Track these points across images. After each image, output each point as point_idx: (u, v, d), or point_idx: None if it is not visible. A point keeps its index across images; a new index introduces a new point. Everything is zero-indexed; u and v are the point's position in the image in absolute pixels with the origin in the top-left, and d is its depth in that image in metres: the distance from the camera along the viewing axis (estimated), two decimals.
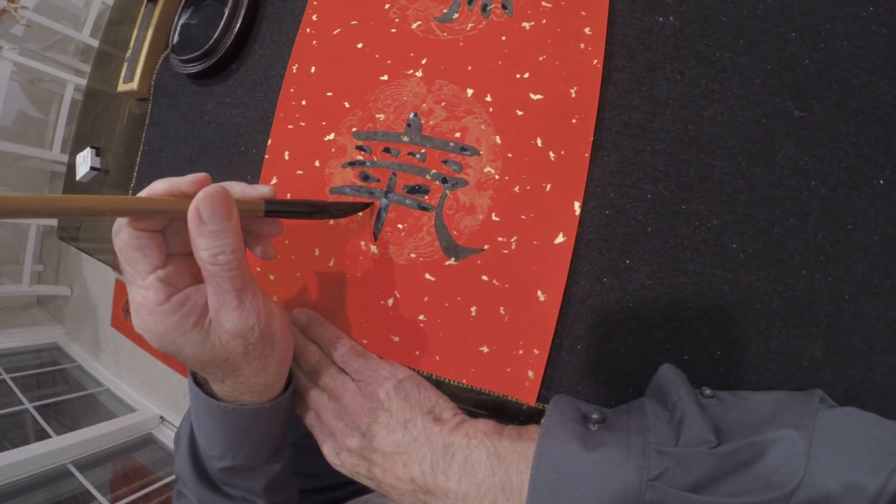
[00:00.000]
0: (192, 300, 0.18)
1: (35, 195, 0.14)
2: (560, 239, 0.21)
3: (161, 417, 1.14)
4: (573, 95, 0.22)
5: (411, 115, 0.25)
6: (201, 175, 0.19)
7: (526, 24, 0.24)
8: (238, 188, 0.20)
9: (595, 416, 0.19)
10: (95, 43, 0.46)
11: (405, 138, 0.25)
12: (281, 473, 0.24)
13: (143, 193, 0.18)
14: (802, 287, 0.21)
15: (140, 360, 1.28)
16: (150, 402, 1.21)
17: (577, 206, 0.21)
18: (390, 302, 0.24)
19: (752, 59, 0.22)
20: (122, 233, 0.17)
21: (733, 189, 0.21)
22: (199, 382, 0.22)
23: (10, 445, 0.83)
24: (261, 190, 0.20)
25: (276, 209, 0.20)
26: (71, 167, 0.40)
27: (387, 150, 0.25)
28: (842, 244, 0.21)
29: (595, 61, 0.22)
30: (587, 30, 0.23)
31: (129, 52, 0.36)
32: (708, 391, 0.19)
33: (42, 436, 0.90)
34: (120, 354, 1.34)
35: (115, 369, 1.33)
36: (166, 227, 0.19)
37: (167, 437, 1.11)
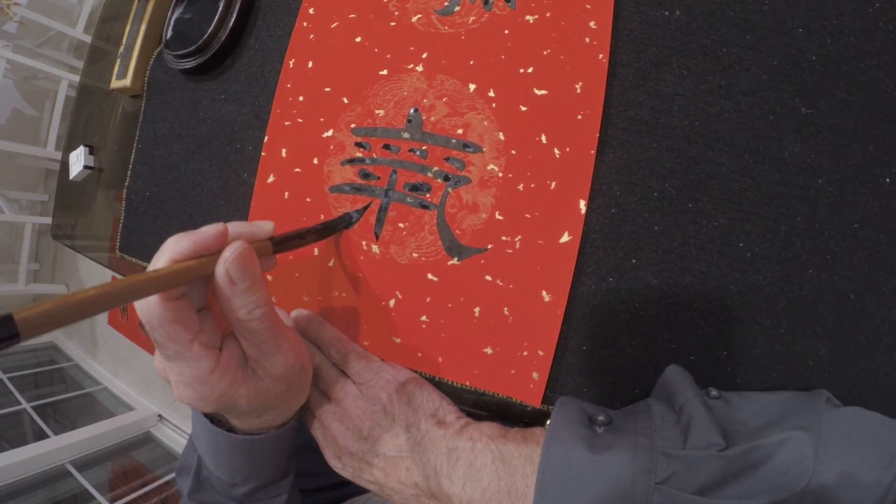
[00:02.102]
0: (235, 353, 0.18)
1: (64, 298, 0.12)
2: (565, 238, 0.21)
3: (159, 416, 1.13)
4: (578, 91, 0.22)
5: (412, 111, 0.24)
6: (220, 228, 0.17)
7: (529, 18, 0.23)
8: (246, 230, 0.19)
9: (601, 417, 0.19)
10: (89, 39, 0.45)
11: (406, 135, 0.24)
12: (292, 478, 0.24)
13: (163, 257, 0.16)
14: (808, 286, 0.20)
15: (137, 359, 1.27)
16: (148, 400, 1.20)
17: (582, 204, 0.21)
18: (392, 303, 0.24)
19: (758, 55, 0.22)
20: (155, 309, 0.16)
21: (740, 187, 0.21)
22: (214, 419, 0.21)
23: (9, 446, 0.82)
24: (264, 228, 0.19)
25: (281, 245, 0.20)
26: (65, 165, 0.39)
27: (387, 146, 0.25)
28: (848, 243, 0.21)
29: (601, 56, 0.22)
30: (592, 23, 0.22)
31: (122, 47, 0.35)
32: (714, 392, 0.19)
33: (40, 436, 0.90)
34: (117, 353, 1.33)
35: (113, 368, 1.32)
36: None
37: (165, 435, 1.10)
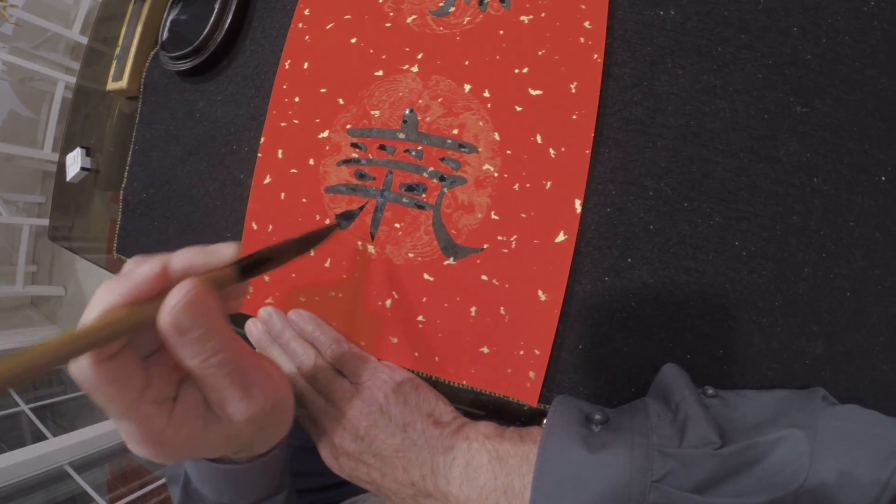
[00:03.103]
0: (192, 402, 0.16)
1: None
2: (561, 237, 0.21)
3: None
4: (573, 91, 0.22)
5: (407, 112, 0.24)
6: (156, 268, 0.14)
7: (524, 18, 0.23)
8: (199, 260, 0.15)
9: (597, 416, 0.19)
10: (86, 40, 0.44)
11: (401, 135, 0.24)
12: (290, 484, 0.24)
13: (94, 308, 0.14)
14: (804, 285, 0.20)
15: None
16: None
17: (577, 203, 0.21)
18: (388, 303, 0.24)
19: (753, 54, 0.22)
20: (87, 372, 0.13)
21: (736, 186, 0.21)
22: None
23: (7, 448, 0.82)
24: (223, 253, 0.16)
25: (249, 267, 0.16)
26: (62, 167, 0.39)
27: (382, 147, 0.25)
28: (844, 241, 0.21)
29: (595, 56, 0.22)
30: (587, 23, 0.22)
31: (119, 49, 0.35)
32: (711, 390, 0.19)
33: (39, 437, 0.89)
34: None
35: None
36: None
37: None
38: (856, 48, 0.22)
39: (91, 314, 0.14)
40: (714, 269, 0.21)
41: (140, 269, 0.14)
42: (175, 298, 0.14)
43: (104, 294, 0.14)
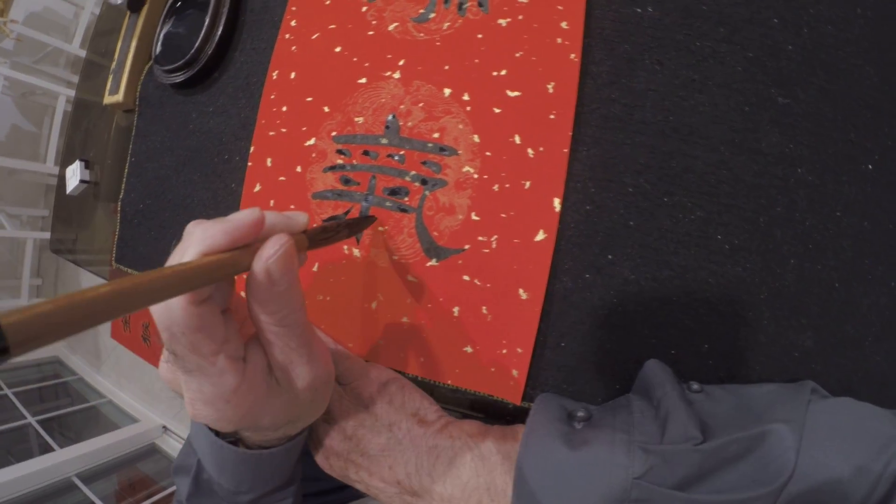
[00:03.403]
0: (260, 365, 0.16)
1: (68, 297, 0.09)
2: (540, 236, 0.21)
3: (164, 427, 1.14)
4: (551, 91, 0.22)
5: (389, 117, 0.25)
6: (256, 214, 0.14)
7: (502, 21, 0.24)
8: (280, 223, 0.16)
9: (580, 413, 0.18)
10: (85, 54, 0.46)
11: (384, 140, 0.25)
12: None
13: (191, 248, 0.13)
14: (791, 276, 0.20)
15: (141, 371, 1.29)
16: (153, 412, 1.21)
17: (556, 202, 0.21)
18: (374, 305, 0.24)
19: (733, 48, 0.22)
20: (179, 315, 0.13)
21: (717, 179, 0.21)
22: (218, 432, 0.19)
23: (15, 460, 0.83)
24: (299, 220, 0.16)
25: (314, 241, 0.17)
26: (62, 180, 0.41)
27: (366, 153, 0.25)
28: (831, 232, 0.20)
29: (572, 55, 0.22)
30: (564, 24, 0.22)
31: (114, 63, 0.36)
32: (696, 386, 0.19)
33: (46, 449, 0.90)
34: (121, 365, 1.34)
35: (117, 380, 1.33)
36: None
37: (170, 446, 1.11)
38: (839, 37, 0.22)
39: (187, 254, 0.13)
40: (697, 264, 0.20)
41: (240, 214, 0.14)
42: (272, 249, 0.13)
43: (202, 234, 0.13)
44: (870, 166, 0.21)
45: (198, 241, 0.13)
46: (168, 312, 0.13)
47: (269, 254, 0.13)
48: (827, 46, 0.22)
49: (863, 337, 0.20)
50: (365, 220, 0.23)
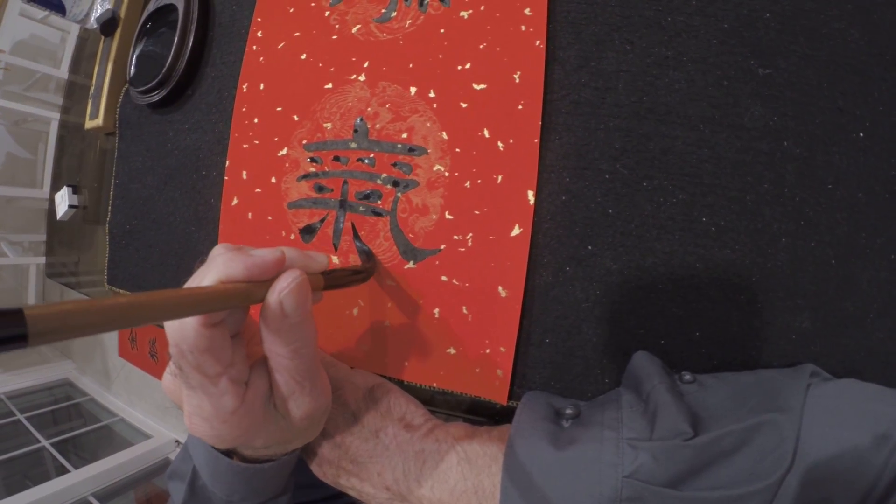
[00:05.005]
0: (261, 391, 0.16)
1: (89, 301, 0.09)
2: (516, 231, 0.20)
3: (176, 441, 1.15)
4: (517, 80, 0.21)
5: (357, 121, 0.24)
6: (278, 254, 0.15)
7: (464, 13, 0.23)
8: (299, 261, 0.16)
9: (569, 411, 0.18)
10: (67, 79, 0.47)
11: (353, 144, 0.24)
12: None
13: (210, 274, 0.14)
14: (783, 256, 0.19)
15: (151, 387, 1.30)
16: (165, 427, 1.22)
17: (530, 195, 0.20)
18: (355, 311, 0.23)
19: (706, 20, 0.21)
20: (190, 334, 0.13)
21: (698, 159, 0.20)
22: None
23: (31, 483, 0.84)
24: (319, 261, 0.17)
25: (330, 282, 0.18)
26: (53, 206, 0.41)
27: (337, 158, 0.25)
28: (823, 206, 0.19)
29: (538, 42, 0.21)
30: (527, 10, 0.22)
31: (93, 88, 0.37)
32: (688, 376, 0.18)
33: (62, 471, 0.91)
34: (130, 383, 1.36)
35: (128, 398, 1.34)
36: None
37: None
38: (819, 0, 0.21)
39: (206, 279, 0.14)
40: (682, 249, 0.20)
41: (264, 252, 0.15)
42: (285, 282, 0.14)
43: (223, 264, 0.14)
44: (861, 134, 0.20)
45: (218, 268, 0.14)
46: (181, 330, 0.14)
47: (283, 286, 0.14)
48: (807, 11, 0.20)
49: (864, 314, 0.19)
50: (372, 268, 0.22)
